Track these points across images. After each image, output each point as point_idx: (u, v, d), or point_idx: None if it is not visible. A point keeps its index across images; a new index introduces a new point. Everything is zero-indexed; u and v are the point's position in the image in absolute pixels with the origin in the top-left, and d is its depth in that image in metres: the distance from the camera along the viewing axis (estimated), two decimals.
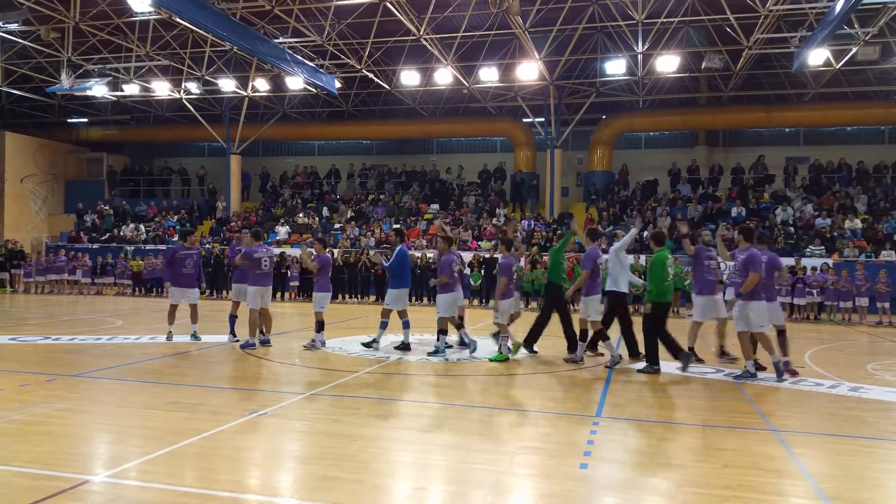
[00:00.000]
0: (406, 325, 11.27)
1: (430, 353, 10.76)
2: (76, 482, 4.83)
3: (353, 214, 29.39)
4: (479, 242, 25.52)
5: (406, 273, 11.80)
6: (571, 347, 10.60)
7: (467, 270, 20.61)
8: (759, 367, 9.36)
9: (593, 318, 10.10)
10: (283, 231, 27.85)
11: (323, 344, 11.38)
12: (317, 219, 29.13)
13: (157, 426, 6.34)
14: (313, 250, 12.41)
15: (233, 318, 12.12)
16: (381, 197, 30.75)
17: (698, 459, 5.70)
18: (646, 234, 22.16)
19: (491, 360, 10.30)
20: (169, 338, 11.98)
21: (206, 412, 6.92)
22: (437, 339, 10.84)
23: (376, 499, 4.73)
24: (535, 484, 5.13)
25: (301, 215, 29.37)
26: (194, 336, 12.04)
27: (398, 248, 11.52)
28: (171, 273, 12.40)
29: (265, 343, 11.41)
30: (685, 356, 9.73)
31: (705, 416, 7.25)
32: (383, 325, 11.29)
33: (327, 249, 12.52)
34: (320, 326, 11.38)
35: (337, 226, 28.45)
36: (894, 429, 6.99)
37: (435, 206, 29.24)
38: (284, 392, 8.05)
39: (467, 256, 20.98)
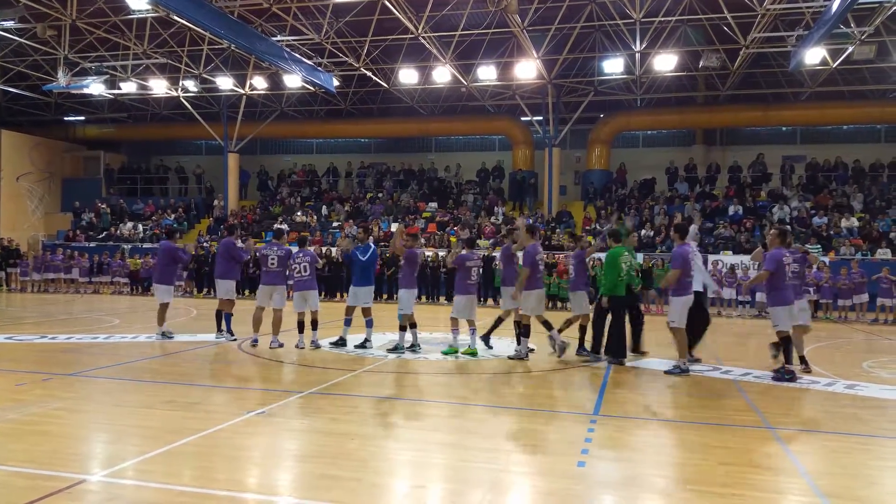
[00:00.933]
0: (369, 325, 11.27)
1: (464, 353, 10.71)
2: (73, 482, 4.83)
3: (349, 211, 29.38)
4: (478, 241, 25.51)
5: (371, 271, 11.77)
6: (595, 348, 10.50)
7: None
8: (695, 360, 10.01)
9: (526, 311, 10.30)
10: (282, 229, 27.80)
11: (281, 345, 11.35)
12: (315, 217, 29.11)
13: (155, 425, 6.34)
14: (345, 244, 12.61)
15: (228, 316, 12.14)
16: (380, 195, 30.74)
17: (695, 457, 5.71)
18: (606, 229, 22.26)
19: (510, 358, 10.40)
20: (168, 335, 12.06)
21: (204, 411, 6.92)
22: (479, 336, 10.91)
23: (374, 497, 4.73)
24: (533, 482, 5.14)
25: (299, 213, 29.36)
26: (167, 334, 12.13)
27: (369, 245, 11.50)
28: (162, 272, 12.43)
29: (254, 343, 11.33)
30: (620, 360, 10.06)
31: (702, 414, 7.27)
32: (354, 323, 11.32)
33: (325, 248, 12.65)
34: (314, 325, 11.49)
35: (335, 224, 28.43)
36: (890, 426, 7.02)
37: (433, 205, 29.25)
38: (282, 391, 8.05)
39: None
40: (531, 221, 18.24)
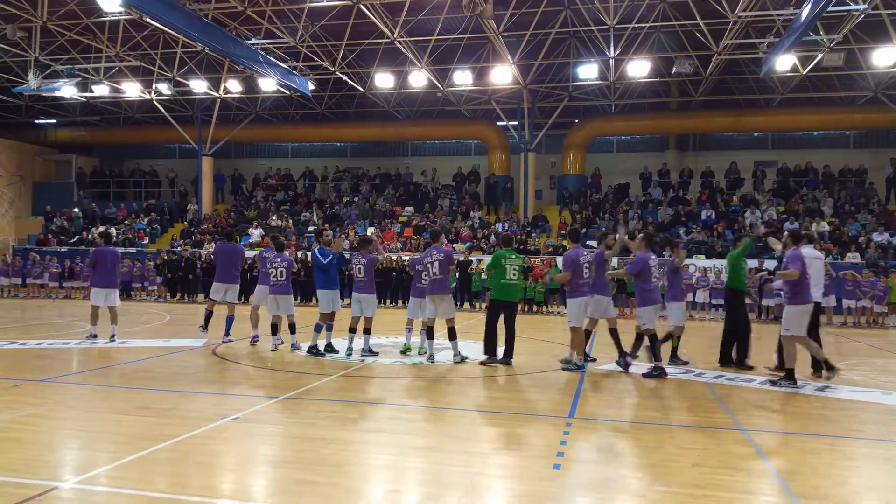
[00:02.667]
0: (329, 329, 11.20)
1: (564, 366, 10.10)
2: (44, 489, 4.75)
3: (323, 216, 29.27)
4: (454, 245, 25.56)
5: (334, 275, 11.56)
6: (738, 356, 10.41)
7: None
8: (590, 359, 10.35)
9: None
10: (256, 233, 27.63)
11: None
12: (290, 221, 28.95)
13: (128, 431, 6.26)
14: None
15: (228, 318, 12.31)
16: (356, 199, 30.67)
17: (668, 459, 5.78)
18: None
19: (564, 369, 9.95)
20: (94, 337, 12.04)
21: (178, 417, 6.85)
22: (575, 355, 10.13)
23: (350, 502, 4.72)
24: (509, 485, 5.17)
25: (274, 217, 29.17)
26: (112, 338, 12.00)
27: (324, 248, 11.53)
28: (93, 274, 12.39)
29: (254, 341, 11.93)
30: (492, 359, 10.26)
31: (675, 417, 7.36)
32: (324, 329, 11.22)
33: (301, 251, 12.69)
34: (275, 329, 11.78)
35: (311, 228, 28.29)
36: (859, 427, 7.16)
37: (410, 209, 29.25)
38: (257, 396, 8.00)
39: None
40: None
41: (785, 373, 9.00)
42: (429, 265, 10.43)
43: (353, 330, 10.95)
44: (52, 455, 5.75)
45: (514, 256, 10.41)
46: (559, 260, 22.35)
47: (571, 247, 10.26)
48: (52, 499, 4.63)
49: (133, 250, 27.15)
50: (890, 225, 23.74)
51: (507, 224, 26.88)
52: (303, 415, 7.10)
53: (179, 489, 4.84)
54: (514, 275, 10.29)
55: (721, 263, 21.50)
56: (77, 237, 29.12)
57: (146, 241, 28.96)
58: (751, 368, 10.22)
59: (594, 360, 10.67)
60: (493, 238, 25.25)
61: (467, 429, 6.78)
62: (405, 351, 11.26)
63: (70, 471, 5.27)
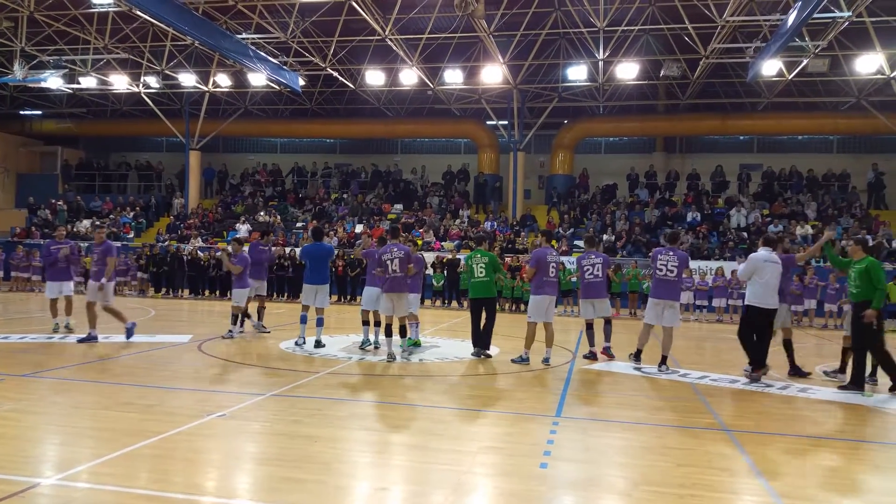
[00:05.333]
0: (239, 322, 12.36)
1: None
2: (26, 485, 4.70)
3: (314, 211, 29.18)
4: (443, 243, 25.58)
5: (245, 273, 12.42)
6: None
7: (430, 271, 20.65)
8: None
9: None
10: (243, 229, 27.50)
11: (240, 333, 12.54)
12: (278, 217, 28.84)
13: (111, 427, 6.21)
14: (230, 248, 12.96)
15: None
16: (345, 196, 30.59)
17: (654, 458, 5.83)
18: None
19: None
20: (57, 329, 12.31)
21: (163, 413, 6.81)
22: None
23: (338, 500, 4.72)
24: (496, 483, 5.18)
25: (262, 213, 29.04)
26: (67, 327, 12.31)
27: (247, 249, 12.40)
28: (48, 269, 12.88)
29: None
30: (479, 351, 10.82)
31: (661, 417, 7.41)
32: (305, 321, 11.48)
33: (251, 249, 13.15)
34: (235, 319, 12.35)
35: (299, 224, 28.19)
36: (841, 428, 7.26)
37: (399, 207, 29.22)
38: (243, 393, 7.96)
39: (430, 257, 21.02)
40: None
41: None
42: (388, 262, 10.29)
43: (389, 329, 10.49)
44: (34, 451, 5.69)
45: (480, 255, 10.81)
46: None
47: (543, 246, 10.71)
48: (35, 495, 4.58)
49: (118, 244, 26.89)
50: (872, 229, 24.01)
51: (495, 223, 26.92)
52: (290, 412, 7.08)
53: (164, 486, 4.81)
54: (482, 273, 10.69)
55: (706, 265, 21.69)
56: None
57: (131, 234, 28.73)
58: (806, 374, 10.00)
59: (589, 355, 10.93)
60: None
61: (455, 427, 6.79)
62: (363, 346, 11.33)
63: (53, 467, 5.23)
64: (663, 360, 10.00)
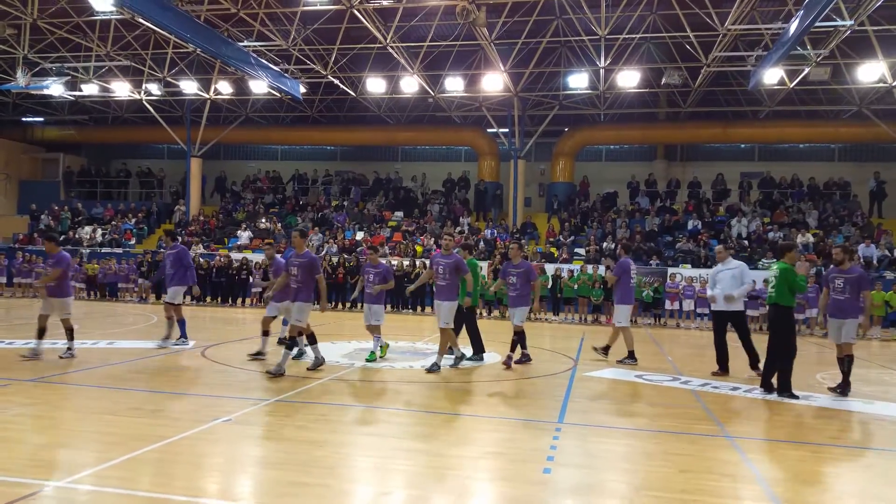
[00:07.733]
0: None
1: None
2: (35, 488, 4.74)
3: (315, 218, 29.24)
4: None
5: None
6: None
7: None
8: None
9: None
10: (244, 236, 27.57)
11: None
12: (279, 224, 28.90)
13: (118, 432, 6.25)
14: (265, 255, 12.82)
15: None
16: (345, 203, 30.66)
17: (656, 464, 5.86)
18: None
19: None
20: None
21: (169, 418, 6.84)
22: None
23: None
24: (499, 488, 5.22)
25: (263, 220, 29.11)
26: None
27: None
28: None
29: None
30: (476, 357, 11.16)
31: (662, 423, 7.44)
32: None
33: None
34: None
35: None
36: (841, 435, 7.30)
37: (399, 214, 29.29)
38: (249, 398, 7.99)
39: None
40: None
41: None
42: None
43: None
44: (42, 455, 5.72)
45: (480, 264, 11.51)
46: (548, 267, 22.53)
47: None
48: (42, 498, 4.62)
49: (119, 251, 27.01)
50: (873, 238, 24.06)
51: (495, 231, 26.97)
52: (295, 417, 7.12)
53: (170, 490, 4.85)
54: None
55: (707, 273, 21.72)
56: (63, 236, 28.87)
57: (133, 241, 28.80)
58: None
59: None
60: (482, 245, 25.31)
61: (458, 433, 6.83)
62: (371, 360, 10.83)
63: (60, 471, 5.26)
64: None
